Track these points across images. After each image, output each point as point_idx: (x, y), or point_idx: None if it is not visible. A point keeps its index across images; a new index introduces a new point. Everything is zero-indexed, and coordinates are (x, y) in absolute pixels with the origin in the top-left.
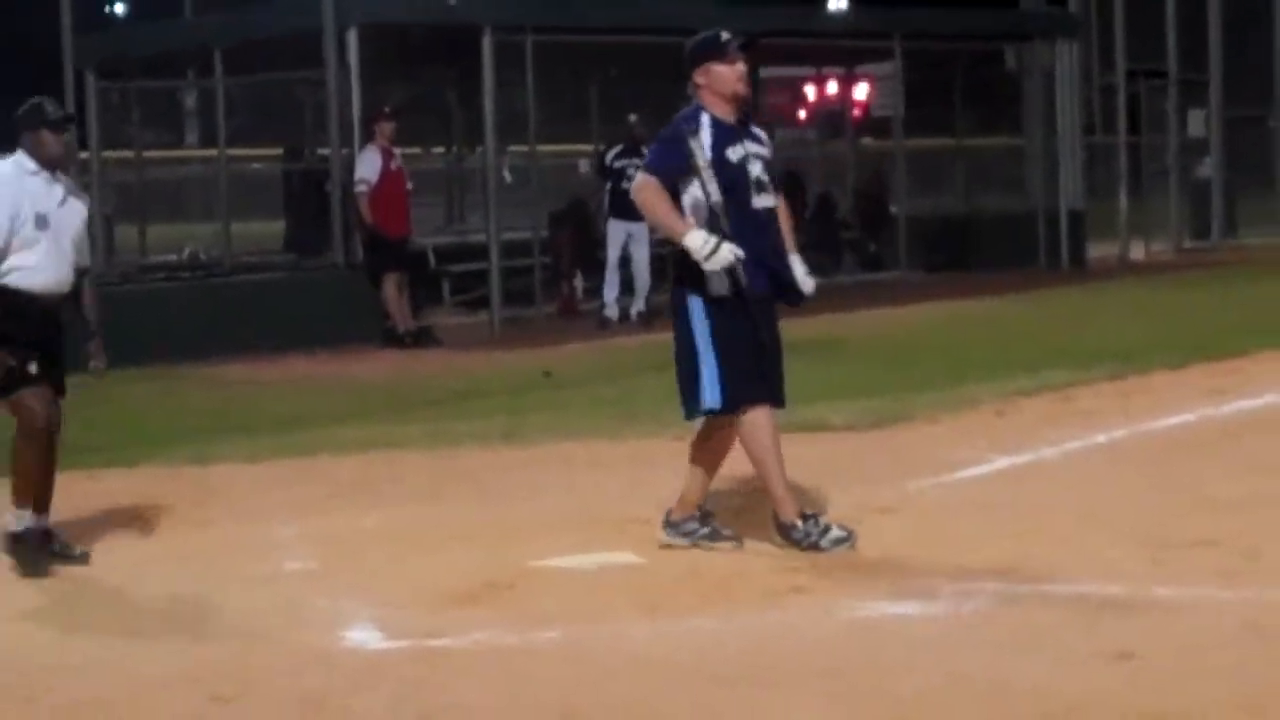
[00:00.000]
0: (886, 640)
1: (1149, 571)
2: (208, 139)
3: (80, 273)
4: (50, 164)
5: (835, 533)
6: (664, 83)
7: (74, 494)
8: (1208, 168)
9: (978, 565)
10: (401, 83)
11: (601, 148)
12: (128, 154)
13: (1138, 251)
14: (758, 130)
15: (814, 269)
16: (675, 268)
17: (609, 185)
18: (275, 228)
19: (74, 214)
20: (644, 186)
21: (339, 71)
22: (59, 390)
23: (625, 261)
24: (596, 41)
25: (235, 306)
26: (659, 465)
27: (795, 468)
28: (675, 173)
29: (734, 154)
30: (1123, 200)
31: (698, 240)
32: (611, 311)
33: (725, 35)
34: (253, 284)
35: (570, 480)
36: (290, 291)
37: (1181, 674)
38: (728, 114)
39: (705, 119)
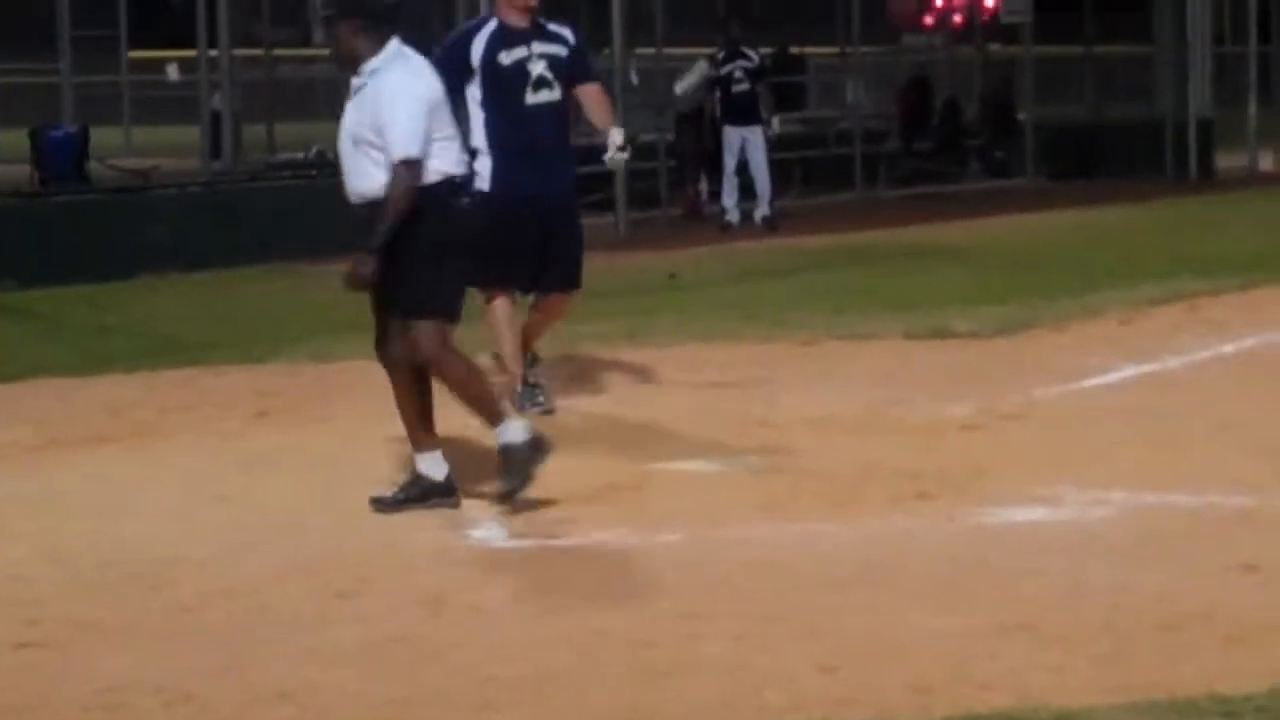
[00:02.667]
0: (1009, 546)
1: (1275, 483)
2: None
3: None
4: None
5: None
6: None
7: (200, 389)
8: None
9: (1104, 474)
10: None
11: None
12: (256, 52)
13: (1266, 162)
14: (558, 30)
15: (939, 176)
16: None
17: (718, 92)
18: None
19: (353, 109)
20: None
21: None
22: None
23: (744, 166)
24: None
25: None
26: (780, 367)
27: (920, 372)
28: (452, 84)
29: (508, 57)
30: (1252, 109)
31: None
32: (733, 216)
33: None
34: None
35: (693, 382)
36: None
37: None
38: (518, 19)
39: (488, 27)
